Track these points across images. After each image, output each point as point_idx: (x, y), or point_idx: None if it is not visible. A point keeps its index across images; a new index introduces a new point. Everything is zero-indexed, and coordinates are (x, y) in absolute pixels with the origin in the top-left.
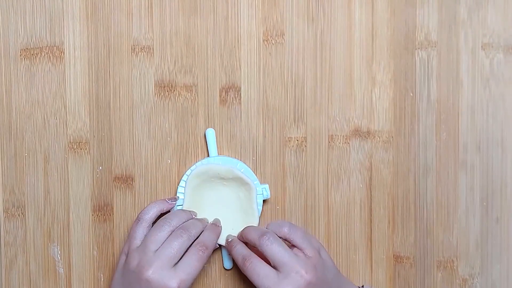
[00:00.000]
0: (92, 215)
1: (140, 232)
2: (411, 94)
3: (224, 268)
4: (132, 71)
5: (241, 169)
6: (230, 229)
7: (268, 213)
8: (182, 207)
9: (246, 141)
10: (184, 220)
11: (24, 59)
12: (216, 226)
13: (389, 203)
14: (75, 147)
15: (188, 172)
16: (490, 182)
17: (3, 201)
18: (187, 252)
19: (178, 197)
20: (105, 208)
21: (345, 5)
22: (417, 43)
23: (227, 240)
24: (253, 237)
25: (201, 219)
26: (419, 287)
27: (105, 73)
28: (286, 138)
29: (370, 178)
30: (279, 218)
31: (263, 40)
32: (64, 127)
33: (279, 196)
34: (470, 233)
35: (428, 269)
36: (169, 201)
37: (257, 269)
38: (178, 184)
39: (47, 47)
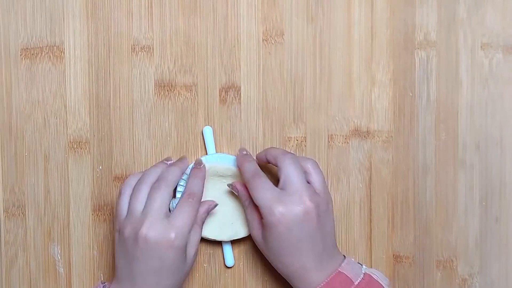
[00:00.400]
0: (92, 214)
1: (125, 201)
2: (411, 94)
3: (225, 266)
4: (132, 70)
5: None
6: (229, 224)
7: None
8: None
9: (246, 140)
10: (159, 173)
11: (25, 58)
12: (199, 169)
13: (389, 202)
14: (75, 146)
15: (188, 171)
16: (489, 182)
17: (3, 200)
18: (177, 204)
19: (171, 157)
20: (105, 208)
21: (345, 4)
22: (416, 43)
23: (240, 153)
24: (277, 152)
25: (181, 160)
26: (419, 286)
27: (105, 72)
28: (286, 137)
29: (370, 178)
30: None
31: (263, 40)
32: (64, 126)
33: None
34: (469, 233)
35: (428, 268)
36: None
37: (262, 183)
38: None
39: (48, 47)
